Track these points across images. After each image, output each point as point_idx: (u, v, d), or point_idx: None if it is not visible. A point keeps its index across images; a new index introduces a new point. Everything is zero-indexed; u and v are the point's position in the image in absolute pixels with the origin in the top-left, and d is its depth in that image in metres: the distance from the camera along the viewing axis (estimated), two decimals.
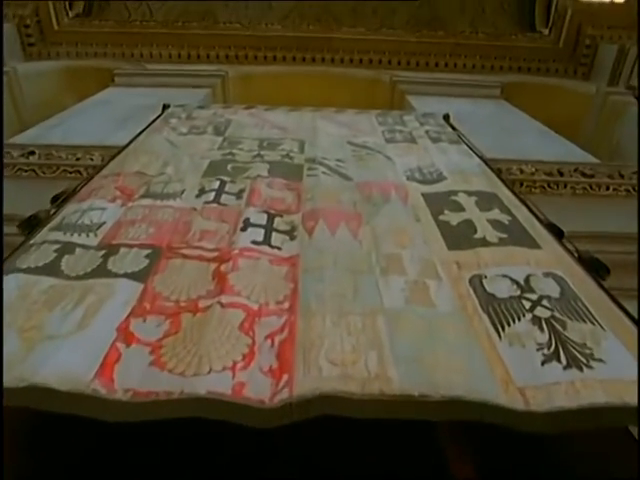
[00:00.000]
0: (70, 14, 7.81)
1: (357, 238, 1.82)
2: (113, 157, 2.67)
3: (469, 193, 2.19)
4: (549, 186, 2.96)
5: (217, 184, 2.26)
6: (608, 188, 2.96)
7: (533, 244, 1.81)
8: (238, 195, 2.17)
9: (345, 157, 2.60)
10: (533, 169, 3.09)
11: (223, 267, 1.63)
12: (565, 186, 2.96)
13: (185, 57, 7.06)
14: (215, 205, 2.08)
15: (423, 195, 2.21)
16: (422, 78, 5.72)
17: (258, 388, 1.19)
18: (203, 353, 1.26)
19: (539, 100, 5.80)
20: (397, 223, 1.92)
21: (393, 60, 6.54)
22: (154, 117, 3.72)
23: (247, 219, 1.93)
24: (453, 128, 3.26)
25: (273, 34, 6.92)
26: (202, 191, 2.21)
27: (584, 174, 3.07)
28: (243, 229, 1.86)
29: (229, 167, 2.47)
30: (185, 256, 1.70)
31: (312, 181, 2.31)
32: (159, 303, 1.47)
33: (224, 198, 2.14)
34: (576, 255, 1.76)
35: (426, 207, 2.08)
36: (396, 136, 3.01)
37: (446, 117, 3.42)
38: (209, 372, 1.20)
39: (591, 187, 2.96)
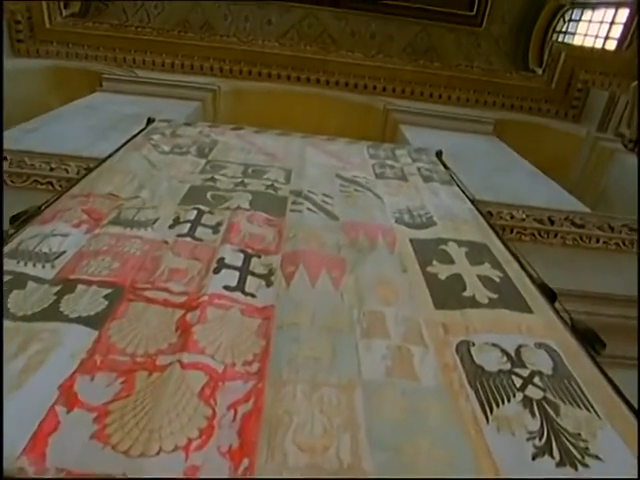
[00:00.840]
0: (64, 13, 7.66)
1: (339, 289, 1.69)
2: (86, 174, 2.51)
3: (459, 243, 2.09)
4: (540, 234, 2.88)
5: (194, 214, 2.11)
6: (598, 241, 2.90)
7: (525, 307, 1.70)
8: (215, 229, 2.02)
9: (333, 192, 2.48)
10: (524, 215, 3.01)
11: (189, 316, 1.47)
12: (555, 235, 2.89)
13: (179, 67, 6.94)
14: (189, 239, 1.92)
15: (411, 241, 2.09)
16: (416, 108, 5.68)
17: (214, 473, 1.04)
18: (154, 427, 1.10)
19: (529, 139, 5.82)
20: (383, 274, 1.79)
21: (388, 87, 6.52)
22: (138, 130, 3.58)
23: (222, 259, 1.78)
24: (445, 166, 3.18)
25: (270, 51, 6.85)
26: (177, 221, 2.06)
27: (574, 224, 3.01)
28: (216, 270, 1.71)
29: (209, 195, 2.32)
30: (149, 300, 1.54)
31: (295, 217, 2.17)
32: (112, 357, 1.31)
33: (199, 231, 1.99)
34: (570, 323, 1.65)
35: (414, 256, 1.97)
36: (387, 171, 2.91)
37: (439, 154, 3.35)
38: (158, 452, 1.05)
39: (581, 238, 2.90)
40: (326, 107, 6.35)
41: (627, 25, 6.64)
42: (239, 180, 2.53)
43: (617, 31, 7.28)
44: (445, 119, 5.47)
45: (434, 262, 1.93)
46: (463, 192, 2.71)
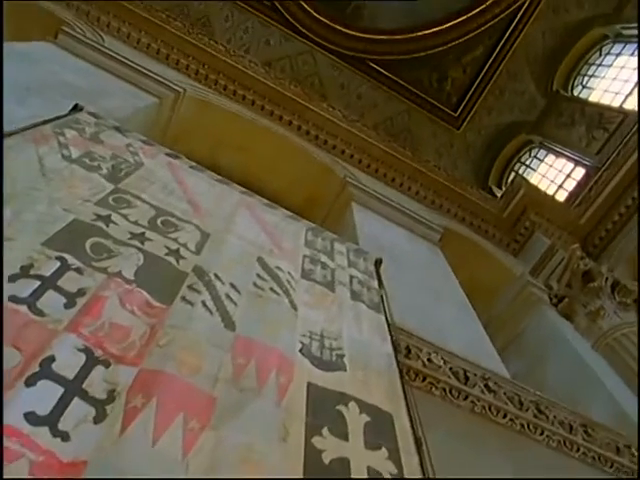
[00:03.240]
0: None
1: (186, 457, 1.24)
2: None
3: (362, 407, 1.73)
4: (450, 392, 2.63)
5: (55, 267, 1.59)
6: (505, 416, 2.70)
7: None
8: (71, 301, 1.51)
9: (243, 284, 2.05)
10: (442, 361, 2.77)
11: None
12: (466, 398, 2.66)
13: (153, 51, 6.33)
14: (24, 309, 1.40)
15: (309, 387, 1.71)
16: (373, 191, 5.46)
17: None
18: None
19: (468, 257, 5.82)
20: (254, 443, 1.37)
21: (355, 156, 6.34)
22: (59, 113, 2.99)
23: (50, 359, 1.28)
24: (380, 281, 2.88)
25: (253, 74, 6.47)
26: (25, 272, 1.52)
27: (488, 387, 2.82)
28: (30, 381, 1.20)
29: (90, 242, 1.79)
30: None
31: (183, 312, 1.71)
32: None
33: (46, 299, 1.46)
34: None
35: (304, 414, 1.57)
36: (316, 271, 2.53)
37: (377, 263, 3.06)
38: None
39: (490, 408, 2.69)
40: (288, 152, 6.01)
41: (580, 185, 7.02)
42: (140, 231, 2.02)
43: (570, 185, 7.76)
44: (398, 212, 5.31)
45: (324, 431, 1.54)
46: (388, 326, 2.40)
